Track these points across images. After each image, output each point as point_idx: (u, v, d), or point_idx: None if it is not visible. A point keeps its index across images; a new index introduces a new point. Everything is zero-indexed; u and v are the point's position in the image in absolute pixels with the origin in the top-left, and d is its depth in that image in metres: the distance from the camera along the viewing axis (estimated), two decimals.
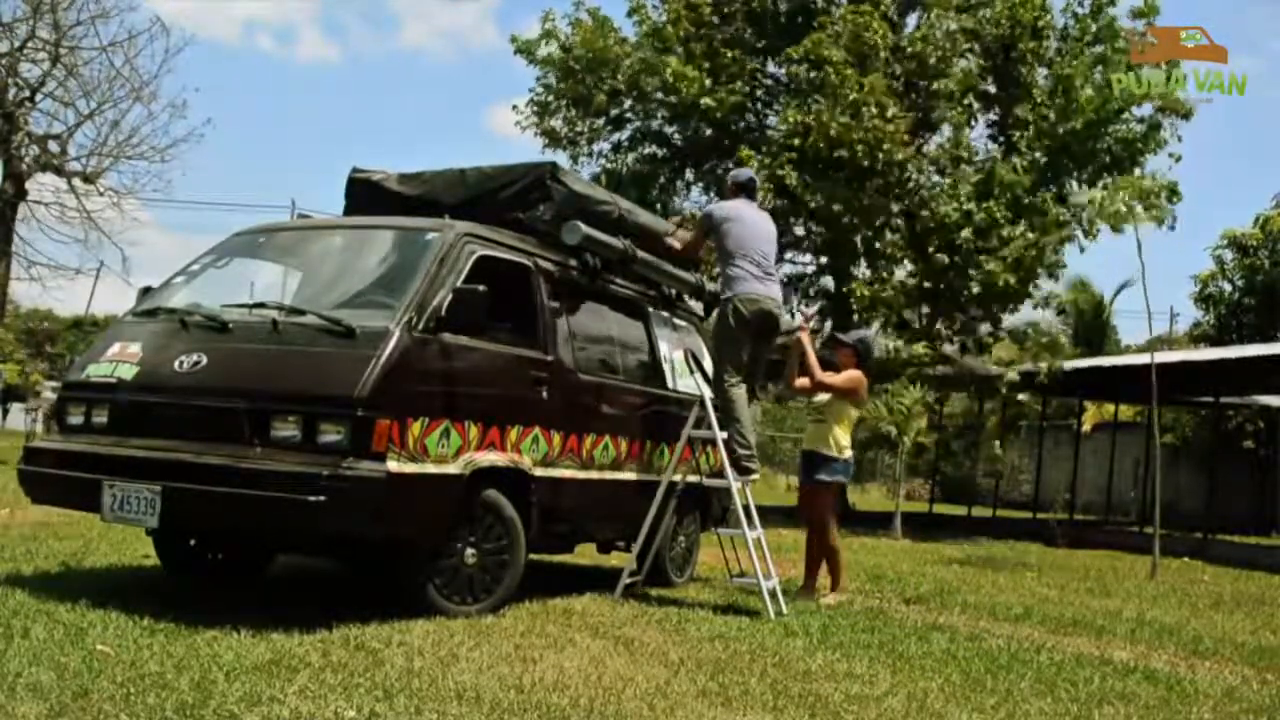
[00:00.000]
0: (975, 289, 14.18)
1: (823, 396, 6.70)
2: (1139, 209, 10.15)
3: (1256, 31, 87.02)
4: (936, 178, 14.84)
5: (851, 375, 6.63)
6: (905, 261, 14.58)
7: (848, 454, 6.63)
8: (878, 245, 14.60)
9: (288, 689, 3.28)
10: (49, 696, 3.03)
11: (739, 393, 6.00)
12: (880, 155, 13.72)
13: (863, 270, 16.06)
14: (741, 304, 5.98)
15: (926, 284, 14.63)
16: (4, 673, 3.23)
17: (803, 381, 6.66)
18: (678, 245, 6.66)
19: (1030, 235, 14.39)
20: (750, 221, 6.21)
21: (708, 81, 14.62)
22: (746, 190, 6.44)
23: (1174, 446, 23.39)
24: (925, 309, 15.61)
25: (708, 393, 6.07)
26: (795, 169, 13.82)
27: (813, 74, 14.35)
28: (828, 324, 14.91)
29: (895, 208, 14.36)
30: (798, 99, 14.93)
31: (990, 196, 14.09)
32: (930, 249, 14.34)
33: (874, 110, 13.58)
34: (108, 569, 5.65)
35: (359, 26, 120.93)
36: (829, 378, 6.58)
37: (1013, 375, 15.64)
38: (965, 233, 13.97)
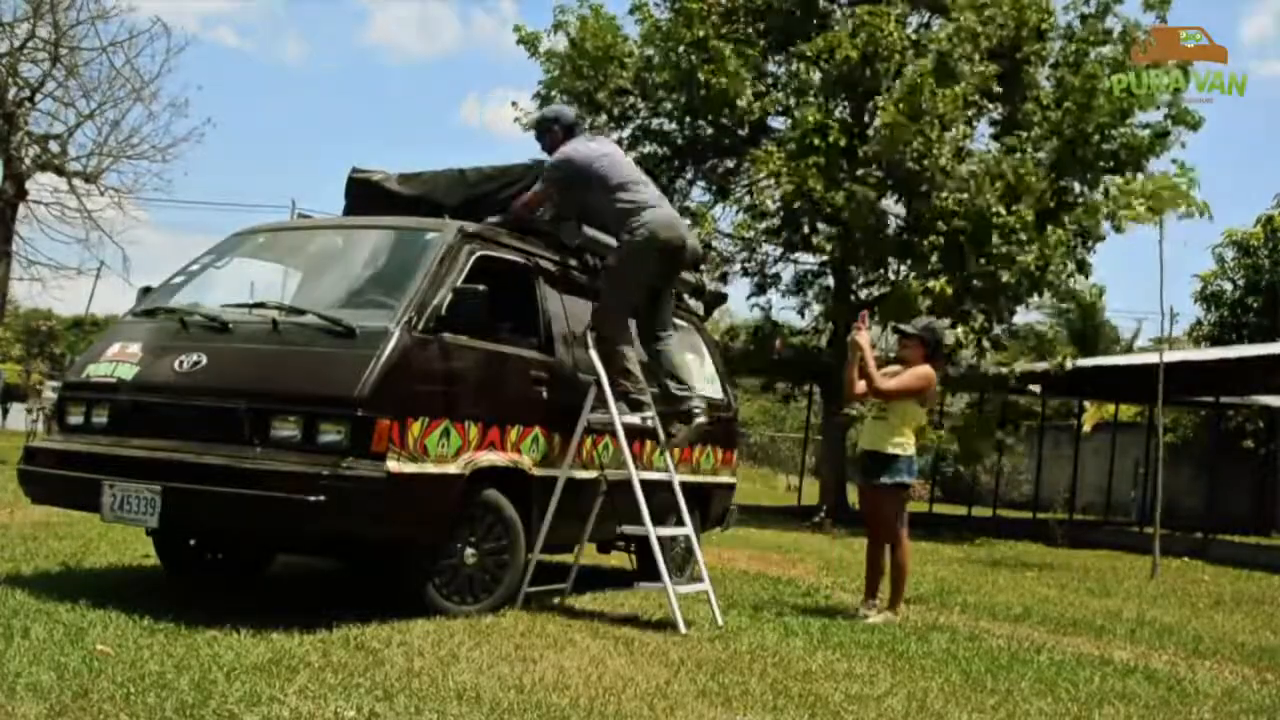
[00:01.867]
0: (1007, 279, 14.04)
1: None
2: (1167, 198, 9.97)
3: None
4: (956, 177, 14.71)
5: (917, 372, 5.91)
6: (934, 259, 14.41)
7: (911, 451, 5.92)
8: (914, 246, 14.49)
9: (288, 689, 3.28)
10: (49, 696, 3.03)
11: (631, 350, 5.43)
12: (926, 164, 13.74)
13: (864, 274, 16.02)
14: (657, 229, 5.29)
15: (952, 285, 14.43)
16: (4, 673, 3.23)
17: (863, 386, 5.98)
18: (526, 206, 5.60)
19: (1061, 232, 14.36)
20: (615, 152, 5.64)
21: (745, 81, 14.57)
22: (578, 129, 5.77)
23: (1174, 446, 23.40)
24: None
25: (604, 374, 5.37)
26: (820, 170, 13.83)
27: (867, 71, 14.32)
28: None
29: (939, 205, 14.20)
30: (816, 99, 14.95)
31: (1018, 199, 14.03)
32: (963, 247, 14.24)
33: (935, 123, 13.57)
34: (108, 569, 5.65)
35: (343, 24, 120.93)
36: (887, 381, 5.89)
37: (1027, 369, 15.62)
38: (995, 236, 13.89)
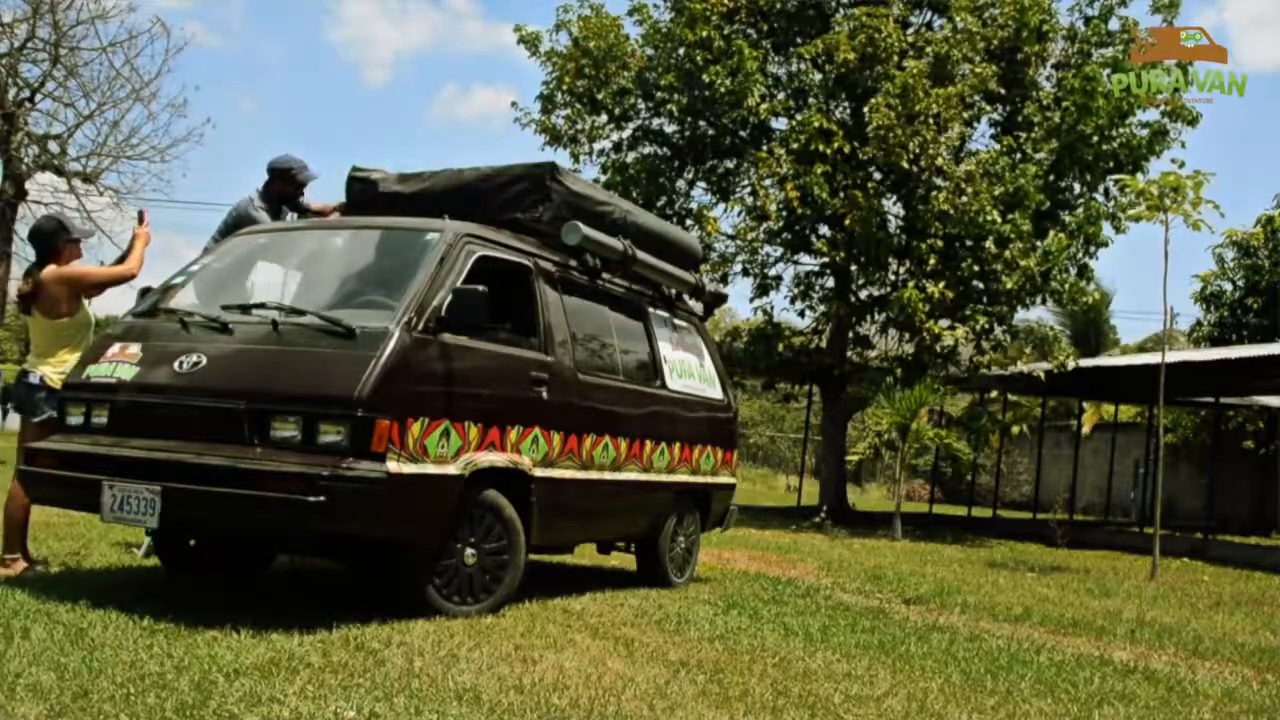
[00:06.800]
0: (1009, 285, 14.07)
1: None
2: (1177, 201, 9.88)
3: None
4: (946, 181, 14.71)
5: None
6: (931, 261, 14.39)
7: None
8: (913, 249, 14.49)
9: (288, 689, 3.28)
10: (49, 696, 3.03)
11: None
12: (922, 165, 13.73)
13: (861, 277, 16.04)
14: None
15: (950, 288, 14.40)
16: (4, 673, 3.22)
17: None
18: None
19: (1061, 237, 14.36)
20: None
21: (757, 80, 14.60)
22: None
23: (1174, 446, 23.41)
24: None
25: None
26: (826, 179, 13.84)
27: (867, 72, 14.33)
28: None
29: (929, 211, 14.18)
30: (816, 99, 14.94)
31: (1016, 208, 14.01)
32: (958, 253, 14.24)
33: (930, 123, 13.59)
34: (108, 569, 5.65)
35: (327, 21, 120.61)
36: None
37: (1036, 371, 15.65)
38: (989, 243, 13.90)
